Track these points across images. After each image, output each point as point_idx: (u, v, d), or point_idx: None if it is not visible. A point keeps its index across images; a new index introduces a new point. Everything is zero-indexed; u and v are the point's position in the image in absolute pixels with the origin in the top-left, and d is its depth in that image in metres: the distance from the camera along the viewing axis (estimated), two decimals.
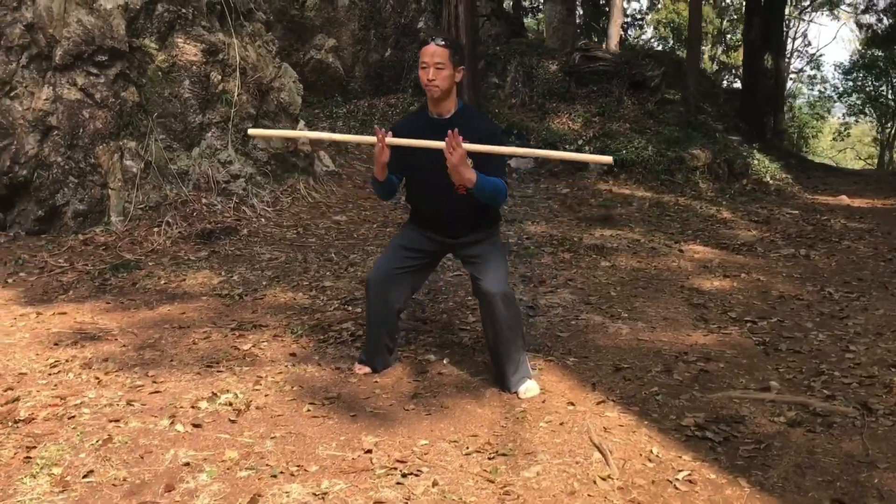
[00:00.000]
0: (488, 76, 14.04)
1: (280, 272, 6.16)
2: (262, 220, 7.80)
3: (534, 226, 7.98)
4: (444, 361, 4.23)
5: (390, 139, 3.54)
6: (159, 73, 7.96)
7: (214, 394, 3.72)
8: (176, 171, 7.75)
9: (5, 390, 3.74)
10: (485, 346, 4.07)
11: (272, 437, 3.28)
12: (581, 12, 23.57)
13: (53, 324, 4.86)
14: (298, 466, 3.03)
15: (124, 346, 4.46)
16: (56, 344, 4.45)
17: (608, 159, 3.58)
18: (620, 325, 4.92)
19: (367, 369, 4.08)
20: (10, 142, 6.78)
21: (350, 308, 5.21)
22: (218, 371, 4.06)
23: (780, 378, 4.09)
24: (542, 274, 6.11)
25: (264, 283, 5.88)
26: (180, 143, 7.93)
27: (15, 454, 3.07)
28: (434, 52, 3.57)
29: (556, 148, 11.35)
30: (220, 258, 6.59)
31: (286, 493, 2.82)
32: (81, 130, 7.09)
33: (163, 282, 5.90)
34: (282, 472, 2.97)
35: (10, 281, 5.88)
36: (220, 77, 8.41)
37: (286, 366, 4.15)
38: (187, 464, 3.02)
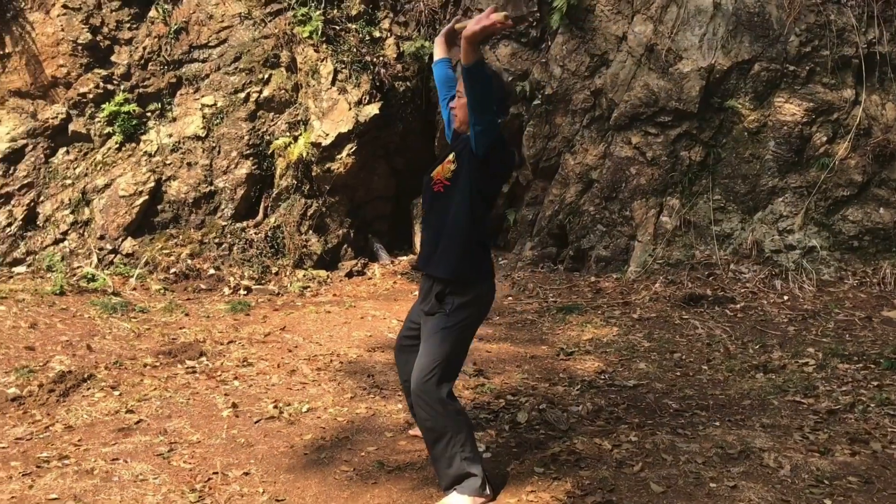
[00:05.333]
0: None
1: (659, 344, 5.78)
2: (784, 297, 6.90)
3: None
4: None
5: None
6: (745, 133, 7.78)
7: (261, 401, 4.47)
8: (717, 232, 7.53)
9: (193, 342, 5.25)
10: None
11: (203, 444, 3.97)
12: None
13: (370, 342, 5.95)
14: (168, 447, 3.74)
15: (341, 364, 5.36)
16: (355, 340, 5.66)
17: None
18: None
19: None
20: (564, 190, 7.91)
21: (587, 390, 4.81)
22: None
23: None
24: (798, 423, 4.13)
25: (628, 350, 5.67)
26: (738, 206, 7.63)
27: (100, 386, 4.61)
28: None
29: None
30: (645, 322, 6.38)
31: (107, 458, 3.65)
32: (623, 185, 7.68)
33: (544, 328, 6.27)
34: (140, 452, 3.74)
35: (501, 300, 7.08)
36: (825, 138, 7.65)
37: (382, 405, 4.47)
38: (122, 428, 4.07)
